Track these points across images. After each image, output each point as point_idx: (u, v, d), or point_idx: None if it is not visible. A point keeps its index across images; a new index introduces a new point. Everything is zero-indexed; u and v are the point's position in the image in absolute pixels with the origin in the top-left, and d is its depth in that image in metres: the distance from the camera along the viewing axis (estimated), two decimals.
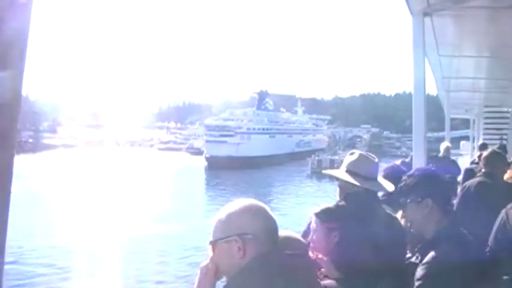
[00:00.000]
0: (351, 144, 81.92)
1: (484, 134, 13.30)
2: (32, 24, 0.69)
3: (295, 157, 63.61)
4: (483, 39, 5.65)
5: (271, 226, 1.39)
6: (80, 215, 23.83)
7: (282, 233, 1.48)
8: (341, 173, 2.36)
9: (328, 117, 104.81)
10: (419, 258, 1.96)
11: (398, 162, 4.21)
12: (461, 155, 15.03)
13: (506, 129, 12.89)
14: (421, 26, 4.03)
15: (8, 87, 0.66)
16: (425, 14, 4.08)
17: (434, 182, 2.05)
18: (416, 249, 2.03)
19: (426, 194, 2.00)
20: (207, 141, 62.65)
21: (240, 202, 1.41)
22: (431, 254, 1.88)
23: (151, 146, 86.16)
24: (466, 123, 22.42)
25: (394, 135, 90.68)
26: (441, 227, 1.96)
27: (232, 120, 66.06)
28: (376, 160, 2.40)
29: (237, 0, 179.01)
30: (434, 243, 1.92)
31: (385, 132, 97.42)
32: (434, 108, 12.35)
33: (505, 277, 2.60)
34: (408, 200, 2.05)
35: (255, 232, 1.35)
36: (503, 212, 2.79)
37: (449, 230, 1.96)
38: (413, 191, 2.04)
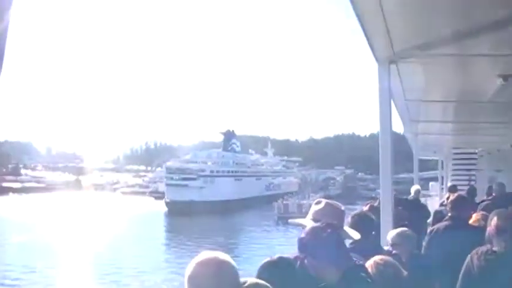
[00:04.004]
0: (324, 187, 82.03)
1: (452, 175, 13.89)
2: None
3: (264, 201, 63.02)
4: (449, 85, 5.94)
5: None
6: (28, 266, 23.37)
7: (251, 280, 1.69)
8: (307, 222, 2.51)
9: (300, 159, 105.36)
10: None
11: (366, 208, 4.46)
12: (430, 196, 15.65)
13: (474, 169, 13.62)
14: (386, 73, 4.27)
15: None
16: (391, 62, 4.31)
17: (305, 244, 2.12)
18: None
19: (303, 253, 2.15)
20: (167, 184, 61.90)
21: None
22: None
23: (115, 190, 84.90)
24: None
25: (369, 176, 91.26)
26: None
27: (196, 162, 65.58)
28: (343, 208, 2.58)
29: (216, 39, 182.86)
30: None
31: (359, 174, 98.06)
32: (408, 149, 12.75)
33: None
34: None
35: None
36: (468, 257, 3.02)
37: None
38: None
